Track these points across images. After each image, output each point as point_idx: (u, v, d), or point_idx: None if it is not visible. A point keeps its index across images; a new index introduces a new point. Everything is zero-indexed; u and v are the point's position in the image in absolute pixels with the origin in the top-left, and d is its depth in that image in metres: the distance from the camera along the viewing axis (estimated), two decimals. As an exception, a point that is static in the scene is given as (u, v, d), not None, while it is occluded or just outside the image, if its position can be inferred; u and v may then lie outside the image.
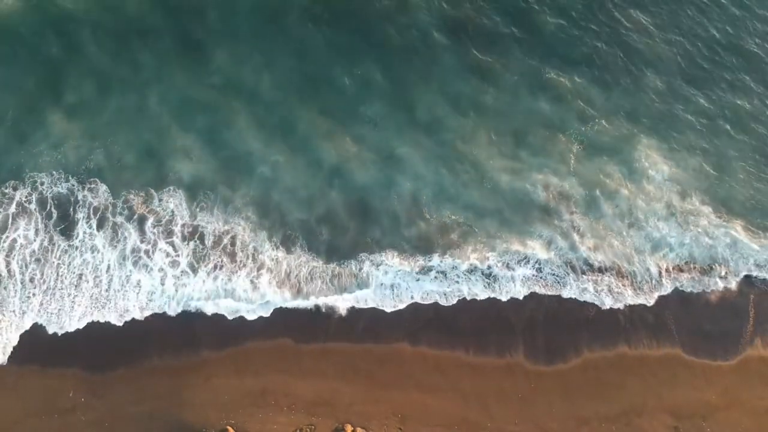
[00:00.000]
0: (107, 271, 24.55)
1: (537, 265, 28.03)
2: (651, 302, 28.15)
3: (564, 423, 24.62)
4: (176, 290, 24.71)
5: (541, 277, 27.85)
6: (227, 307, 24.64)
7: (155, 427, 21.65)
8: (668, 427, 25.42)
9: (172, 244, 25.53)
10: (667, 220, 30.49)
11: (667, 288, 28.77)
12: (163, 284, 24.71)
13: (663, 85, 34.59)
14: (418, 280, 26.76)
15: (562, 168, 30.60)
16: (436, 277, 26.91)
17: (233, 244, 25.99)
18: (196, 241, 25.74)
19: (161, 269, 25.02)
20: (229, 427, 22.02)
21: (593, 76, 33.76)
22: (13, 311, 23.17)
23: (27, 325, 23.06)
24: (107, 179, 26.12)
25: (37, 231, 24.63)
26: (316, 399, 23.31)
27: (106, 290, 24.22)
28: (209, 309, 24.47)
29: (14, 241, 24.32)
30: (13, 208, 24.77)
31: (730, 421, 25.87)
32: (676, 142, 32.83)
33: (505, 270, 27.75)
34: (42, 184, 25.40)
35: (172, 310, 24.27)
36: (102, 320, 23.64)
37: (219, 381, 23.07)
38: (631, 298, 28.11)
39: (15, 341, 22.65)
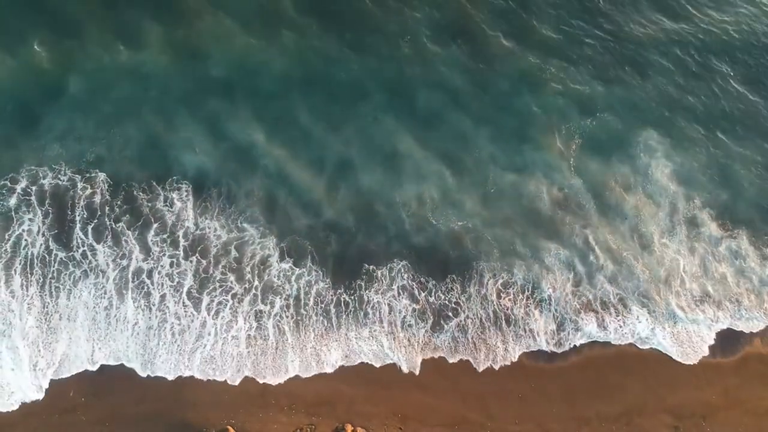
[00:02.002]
0: (105, 309, 23.20)
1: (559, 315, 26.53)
2: (695, 360, 26.95)
3: (564, 423, 24.60)
4: (174, 339, 23.17)
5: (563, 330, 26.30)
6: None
7: (155, 427, 21.60)
8: (668, 426, 25.39)
9: (175, 260, 24.45)
10: (673, 234, 29.91)
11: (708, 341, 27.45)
12: (160, 331, 23.19)
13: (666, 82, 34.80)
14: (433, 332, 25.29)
15: (566, 169, 30.47)
16: (454, 338, 25.45)
17: (239, 260, 25.08)
18: (198, 257, 24.79)
19: (163, 300, 23.69)
20: (229, 427, 21.97)
21: (594, 72, 33.90)
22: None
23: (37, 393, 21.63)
24: (109, 173, 25.64)
25: (37, 232, 23.86)
26: (317, 399, 23.27)
27: (105, 333, 22.83)
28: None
29: (11, 251, 23.52)
30: (12, 202, 24.19)
31: (731, 421, 25.83)
32: (681, 140, 32.84)
33: (524, 312, 26.25)
34: (44, 177, 24.86)
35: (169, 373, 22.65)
36: (91, 369, 22.36)
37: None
38: (676, 353, 26.86)
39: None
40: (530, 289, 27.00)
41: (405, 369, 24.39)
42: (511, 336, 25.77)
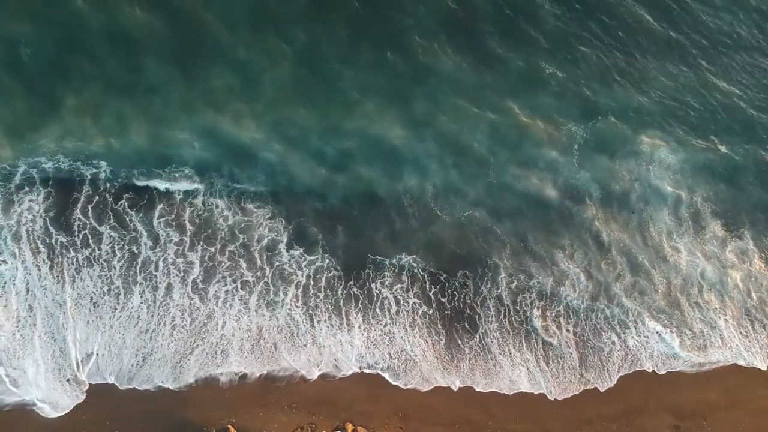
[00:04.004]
0: (112, 318, 22.60)
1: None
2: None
3: (565, 423, 24.61)
4: (172, 341, 22.77)
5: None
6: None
7: (156, 426, 21.57)
8: (669, 426, 25.42)
9: (181, 248, 23.99)
10: (681, 237, 29.52)
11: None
12: (162, 333, 22.68)
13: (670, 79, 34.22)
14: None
15: (570, 166, 30.17)
16: (472, 366, 24.89)
17: (247, 246, 24.70)
18: (204, 245, 24.34)
19: (167, 290, 23.20)
20: (230, 426, 21.96)
21: (597, 71, 33.30)
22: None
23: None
24: (112, 164, 25.13)
25: (38, 215, 23.27)
26: (318, 398, 23.23)
27: (109, 341, 22.30)
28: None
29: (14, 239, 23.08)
30: (13, 191, 23.66)
31: (731, 421, 25.87)
32: (684, 140, 32.39)
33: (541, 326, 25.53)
34: (45, 164, 24.31)
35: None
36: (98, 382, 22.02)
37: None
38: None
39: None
40: (546, 299, 26.62)
41: (423, 388, 24.19)
42: (534, 365, 25.34)
